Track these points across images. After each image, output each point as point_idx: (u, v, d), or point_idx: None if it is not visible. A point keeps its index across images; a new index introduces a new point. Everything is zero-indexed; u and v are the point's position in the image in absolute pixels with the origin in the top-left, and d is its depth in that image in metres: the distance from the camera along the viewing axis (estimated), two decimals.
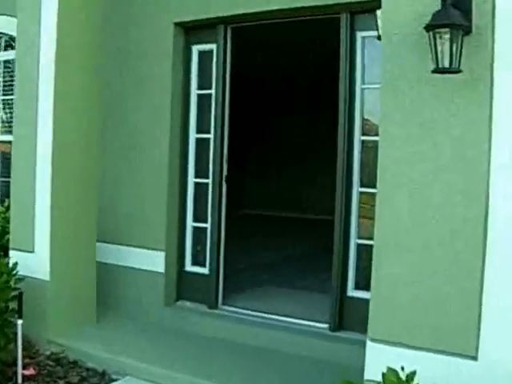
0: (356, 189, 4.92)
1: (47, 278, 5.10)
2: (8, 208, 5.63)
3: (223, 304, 5.69)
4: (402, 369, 2.78)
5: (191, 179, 5.84)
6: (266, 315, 5.42)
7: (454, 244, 3.33)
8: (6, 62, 7.36)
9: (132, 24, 5.89)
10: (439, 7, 3.22)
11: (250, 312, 5.52)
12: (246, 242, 9.20)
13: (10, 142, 5.80)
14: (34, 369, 4.63)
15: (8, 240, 5.44)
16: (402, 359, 3.19)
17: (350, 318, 4.94)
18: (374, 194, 4.68)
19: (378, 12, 4.14)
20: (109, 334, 5.32)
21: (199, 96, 5.81)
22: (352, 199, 4.93)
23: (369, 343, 3.65)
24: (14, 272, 4.77)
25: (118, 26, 5.95)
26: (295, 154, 14.10)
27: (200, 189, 5.80)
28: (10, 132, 6.21)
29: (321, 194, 13.01)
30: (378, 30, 4.16)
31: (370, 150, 4.83)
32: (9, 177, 5.57)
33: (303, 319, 5.26)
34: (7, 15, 6.61)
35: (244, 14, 5.26)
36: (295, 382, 4.41)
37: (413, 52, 3.39)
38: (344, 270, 4.96)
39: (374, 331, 3.64)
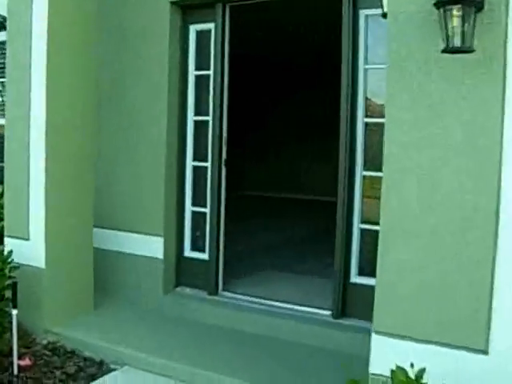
0: (359, 172, 4.79)
1: (43, 265, 4.97)
2: (2, 194, 5.49)
3: (223, 290, 5.59)
4: (412, 366, 2.66)
5: (190, 163, 5.70)
6: (266, 301, 5.32)
7: (464, 232, 3.21)
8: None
9: (128, 2, 5.71)
10: None
11: (250, 298, 5.41)
12: (246, 224, 9.11)
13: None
14: (30, 359, 4.52)
15: (3, 227, 5.31)
16: (409, 352, 3.10)
17: (353, 305, 4.84)
18: (377, 178, 4.61)
19: None
20: (107, 321, 5.21)
21: (197, 77, 5.65)
22: (355, 183, 4.80)
23: (374, 336, 3.53)
24: (9, 260, 4.65)
25: (114, 5, 5.77)
26: (296, 135, 13.96)
27: (199, 173, 5.67)
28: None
29: (321, 175, 12.94)
30: (382, 7, 3.99)
31: (374, 132, 4.70)
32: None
33: (305, 306, 5.16)
34: None
35: None
36: (296, 371, 4.30)
37: (421, 31, 3.24)
38: (347, 256, 4.84)
39: (379, 323, 3.53)
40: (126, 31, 5.73)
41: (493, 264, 3.13)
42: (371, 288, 4.52)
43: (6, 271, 4.59)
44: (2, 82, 7.12)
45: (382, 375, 3.33)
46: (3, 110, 6.95)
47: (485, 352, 3.17)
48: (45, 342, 4.91)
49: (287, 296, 5.41)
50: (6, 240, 5.15)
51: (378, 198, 4.40)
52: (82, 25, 5.19)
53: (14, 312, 4.31)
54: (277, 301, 5.29)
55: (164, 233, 5.60)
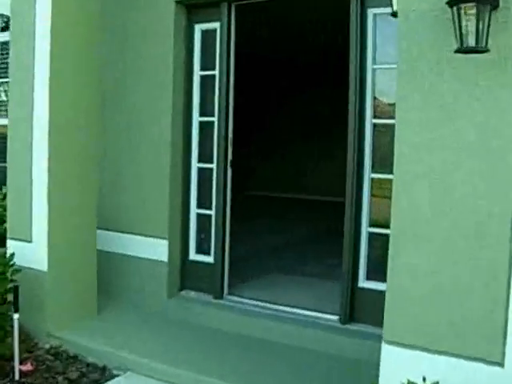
0: (367, 174, 4.69)
1: (45, 268, 4.89)
2: (5, 196, 5.41)
3: (229, 294, 5.50)
4: (424, 380, 2.56)
5: (195, 164, 5.61)
6: (273, 306, 5.23)
7: (478, 238, 3.10)
8: (3, 43, 7.09)
9: (132, 1, 5.63)
10: None
11: (256, 302, 5.31)
12: (251, 224, 9.03)
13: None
14: (32, 364, 4.45)
15: (6, 229, 5.22)
16: (421, 364, 2.98)
17: (361, 310, 4.74)
18: (386, 180, 4.52)
19: None
20: (110, 326, 5.13)
21: (202, 77, 5.57)
22: (363, 185, 4.70)
23: (384, 346, 3.41)
24: (11, 263, 4.60)
25: (117, 4, 5.71)
26: (302, 134, 13.87)
27: (204, 174, 5.58)
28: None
29: (327, 175, 12.87)
30: (392, 6, 3.90)
31: (383, 133, 4.61)
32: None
33: (312, 310, 5.06)
34: None
35: None
36: (303, 377, 4.20)
37: (433, 30, 3.13)
38: (355, 260, 4.75)
39: (389, 332, 3.40)
40: (129, 31, 5.67)
41: (509, 271, 3.02)
42: (380, 293, 4.44)
43: (8, 274, 4.55)
44: (6, 82, 7.05)
45: None
46: (6, 110, 6.89)
47: (500, 364, 3.05)
48: (47, 346, 4.83)
49: (294, 300, 5.32)
50: (9, 242, 5.07)
51: (387, 200, 4.34)
52: (86, 25, 5.12)
53: (16, 316, 4.24)
54: (283, 305, 5.20)
55: (169, 235, 5.52)
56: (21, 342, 4.36)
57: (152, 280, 5.57)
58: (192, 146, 5.60)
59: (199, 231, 5.66)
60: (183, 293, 5.66)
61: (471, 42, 2.83)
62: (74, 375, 4.38)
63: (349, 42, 4.67)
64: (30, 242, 4.98)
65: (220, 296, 5.42)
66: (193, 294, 5.61)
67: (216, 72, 5.40)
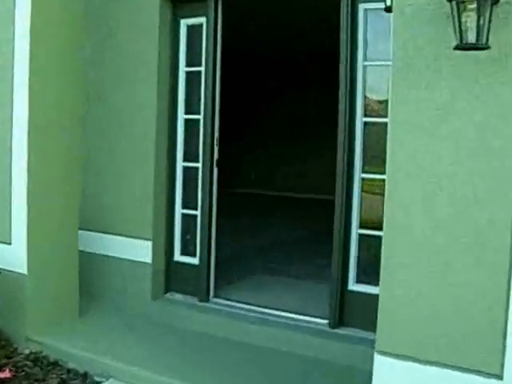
0: (358, 174, 4.56)
1: (25, 271, 4.73)
2: None
3: (215, 296, 5.35)
4: None
5: (180, 163, 5.46)
6: (259, 309, 5.09)
7: (477, 243, 2.98)
8: None
9: None
10: None
11: (242, 305, 5.18)
12: (238, 223, 8.91)
13: None
14: (10, 371, 4.28)
15: None
16: (414, 375, 2.85)
17: (350, 314, 4.62)
18: (377, 181, 4.41)
19: None
20: (92, 330, 4.96)
21: (188, 74, 5.41)
22: (353, 186, 4.57)
23: (377, 356, 3.28)
24: None
25: (101, 1, 5.53)
26: (289, 133, 13.77)
27: (189, 173, 5.42)
28: None
29: (315, 173, 12.81)
30: (385, 0, 3.76)
31: (374, 133, 4.48)
32: None
33: (300, 314, 4.93)
34: None
35: None
36: None
37: (430, 25, 3.01)
38: (344, 262, 4.62)
39: (382, 342, 3.29)
40: (113, 27, 5.49)
41: (509, 277, 2.90)
42: (370, 296, 4.37)
43: None
44: None
45: None
46: None
47: (499, 377, 2.93)
48: (27, 351, 4.66)
49: (281, 303, 5.19)
50: None
51: (378, 201, 4.23)
52: (69, 25, 4.95)
53: None
54: (271, 308, 5.07)
55: (153, 236, 5.36)
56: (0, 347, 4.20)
57: (136, 282, 5.42)
58: (177, 145, 5.45)
59: (184, 232, 5.51)
60: (168, 295, 5.51)
61: (471, 38, 2.70)
62: (53, 382, 4.21)
63: (339, 38, 4.53)
64: (10, 244, 4.82)
65: (206, 299, 5.28)
66: (178, 296, 5.46)
67: (202, 68, 5.25)
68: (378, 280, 4.35)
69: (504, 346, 2.90)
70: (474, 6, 2.64)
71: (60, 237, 4.99)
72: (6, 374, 4.22)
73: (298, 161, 13.81)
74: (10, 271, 4.71)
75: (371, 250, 4.50)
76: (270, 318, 4.94)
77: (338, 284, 4.61)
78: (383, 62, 4.37)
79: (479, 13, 2.64)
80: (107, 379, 4.26)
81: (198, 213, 5.33)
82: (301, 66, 12.57)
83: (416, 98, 3.09)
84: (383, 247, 3.31)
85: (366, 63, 4.51)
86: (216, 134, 5.24)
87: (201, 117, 5.26)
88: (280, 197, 13.38)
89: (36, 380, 4.23)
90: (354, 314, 4.58)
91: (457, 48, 2.79)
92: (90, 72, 5.52)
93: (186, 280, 5.41)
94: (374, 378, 3.28)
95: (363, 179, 4.55)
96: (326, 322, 4.71)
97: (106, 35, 5.52)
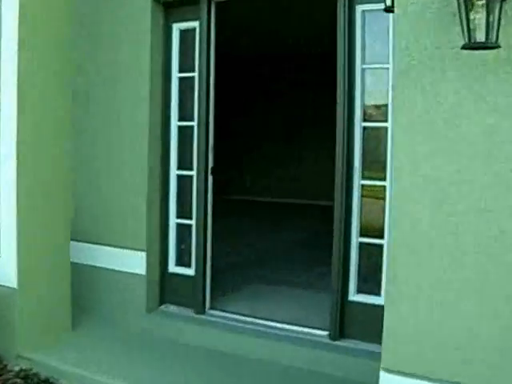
0: (357, 181, 4.42)
1: (15, 285, 4.56)
2: None
3: (211, 308, 5.20)
4: None
5: (174, 171, 5.30)
6: (257, 321, 4.94)
7: (488, 256, 2.82)
8: None
9: (106, 2, 5.32)
10: None
11: (239, 317, 5.03)
12: (233, 231, 8.77)
13: None
14: None
15: None
16: None
17: (351, 325, 4.48)
18: (377, 187, 4.29)
19: None
20: (85, 345, 4.79)
21: (181, 80, 5.26)
22: (353, 193, 4.43)
23: (383, 374, 3.12)
24: None
25: (90, 4, 5.39)
26: (284, 137, 13.64)
27: (184, 182, 5.27)
28: None
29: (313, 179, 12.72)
30: (385, 0, 3.64)
31: (373, 138, 4.35)
32: None
33: (299, 325, 4.78)
34: None
35: None
36: None
37: (434, 24, 2.87)
38: (345, 272, 4.47)
39: (388, 360, 3.13)
40: (103, 32, 5.35)
41: None
42: (371, 307, 4.24)
43: None
44: None
45: None
46: None
47: None
48: (17, 368, 4.49)
49: (279, 314, 5.05)
50: None
51: (379, 209, 4.11)
52: (57, 30, 4.80)
53: None
54: (269, 320, 4.92)
55: (146, 247, 5.20)
56: None
57: (129, 294, 5.25)
58: (171, 153, 5.30)
59: (179, 242, 5.36)
60: (163, 307, 5.35)
61: (480, 37, 2.56)
62: None
63: (336, 40, 4.41)
64: None
65: (202, 311, 5.13)
66: (173, 308, 5.31)
67: (195, 74, 5.11)
68: (379, 290, 4.28)
69: None
70: (483, 2, 2.50)
71: (51, 249, 4.83)
72: None
73: (293, 166, 13.69)
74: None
75: (372, 258, 4.37)
76: (268, 330, 4.79)
77: (338, 294, 4.47)
78: (382, 65, 4.26)
79: (488, 10, 2.50)
80: None
81: (192, 222, 5.19)
82: (300, 69, 12.46)
83: (420, 101, 2.95)
84: (388, 260, 3.16)
85: (364, 66, 4.38)
86: (211, 141, 5.09)
87: (195, 123, 5.12)
88: (277, 203, 13.25)
89: None
90: (354, 325, 4.45)
91: (465, 47, 2.65)
92: (81, 76, 5.38)
93: (182, 291, 5.26)
94: None
95: (363, 186, 4.42)
96: (325, 333, 4.57)
97: (96, 40, 5.38)
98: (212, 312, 5.16)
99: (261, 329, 4.81)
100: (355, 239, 4.45)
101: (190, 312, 5.17)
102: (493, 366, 2.83)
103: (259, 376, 4.28)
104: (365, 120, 4.40)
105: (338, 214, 4.45)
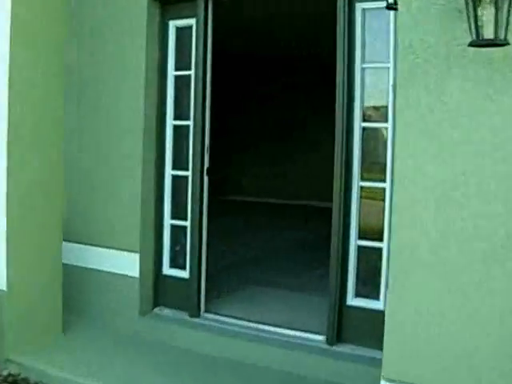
0: (356, 183, 4.32)
1: (4, 287, 4.46)
2: None
3: (206, 311, 5.09)
4: None
5: (169, 172, 5.20)
6: (252, 325, 4.84)
7: (494, 262, 2.72)
8: None
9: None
10: None
11: (234, 321, 4.92)
12: (228, 232, 8.67)
13: None
14: None
15: None
16: None
17: (349, 330, 4.38)
18: (376, 189, 4.20)
19: None
20: (76, 349, 4.68)
21: (177, 78, 5.16)
22: (352, 195, 4.33)
23: None
24: None
25: (87, 5, 5.29)
26: (279, 136, 13.54)
27: (179, 182, 5.16)
28: None
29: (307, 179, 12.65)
30: None
31: (373, 138, 4.27)
32: None
33: (295, 329, 4.68)
34: None
35: None
36: None
37: (439, 21, 2.78)
38: (343, 276, 4.37)
39: (389, 369, 3.03)
40: (98, 30, 5.25)
41: None
42: (369, 311, 4.14)
43: None
44: None
45: None
46: None
47: None
48: (5, 373, 4.39)
49: (275, 318, 4.95)
50: None
51: (378, 211, 4.02)
52: (52, 26, 4.70)
53: None
54: (264, 324, 4.82)
55: (140, 248, 5.10)
56: None
57: (122, 296, 5.15)
58: (166, 152, 5.19)
59: (173, 244, 5.25)
60: (157, 310, 5.24)
61: (488, 33, 2.47)
62: None
63: (336, 39, 4.31)
64: None
65: (196, 314, 5.02)
66: (167, 311, 5.20)
67: (192, 72, 5.01)
68: (378, 294, 4.19)
69: None
70: None
71: (42, 250, 4.73)
72: None
73: (288, 167, 13.60)
74: None
75: (371, 262, 4.28)
76: (264, 334, 4.69)
77: (335, 298, 4.37)
78: (382, 64, 4.18)
79: (497, 5, 2.41)
80: None
81: (187, 224, 5.09)
82: (299, 67, 12.38)
83: (424, 100, 2.86)
84: (390, 266, 3.06)
85: (364, 65, 4.29)
86: (207, 141, 5.00)
87: (190, 123, 5.02)
88: (275, 204, 13.17)
89: None
90: (352, 329, 4.35)
91: (472, 44, 2.55)
92: (75, 76, 5.28)
93: (176, 294, 5.16)
94: None
95: (362, 187, 4.33)
96: (322, 338, 4.47)
97: (91, 38, 5.28)
98: (207, 315, 5.05)
99: (256, 333, 4.72)
100: (354, 242, 4.35)
101: (184, 315, 5.06)
102: (502, 374, 2.73)
103: (254, 381, 4.18)
104: (364, 120, 4.31)
105: (336, 216, 4.35)
